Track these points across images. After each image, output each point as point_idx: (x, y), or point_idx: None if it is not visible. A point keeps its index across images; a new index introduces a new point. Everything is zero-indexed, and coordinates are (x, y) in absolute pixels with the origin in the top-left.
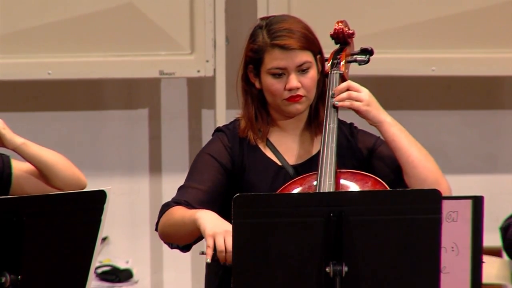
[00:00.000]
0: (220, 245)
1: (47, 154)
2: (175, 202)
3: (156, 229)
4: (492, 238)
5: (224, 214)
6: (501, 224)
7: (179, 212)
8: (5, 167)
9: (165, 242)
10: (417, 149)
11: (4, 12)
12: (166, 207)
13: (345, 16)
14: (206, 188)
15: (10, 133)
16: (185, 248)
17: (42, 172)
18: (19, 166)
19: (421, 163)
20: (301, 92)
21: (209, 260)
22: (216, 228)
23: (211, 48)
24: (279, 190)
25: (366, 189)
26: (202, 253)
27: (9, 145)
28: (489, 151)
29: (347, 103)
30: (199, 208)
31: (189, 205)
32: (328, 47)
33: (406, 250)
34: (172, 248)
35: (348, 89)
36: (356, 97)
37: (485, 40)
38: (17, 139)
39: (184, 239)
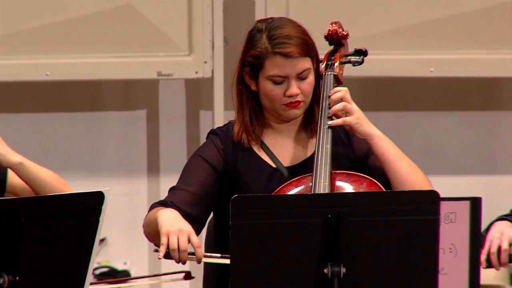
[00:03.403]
0: (173, 244)
1: (42, 176)
2: (160, 202)
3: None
4: None
5: (221, 215)
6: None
7: (152, 212)
8: (1, 174)
9: (155, 245)
10: (406, 163)
11: (2, 13)
12: (151, 208)
13: (343, 17)
14: (195, 190)
15: (7, 150)
16: None
17: (37, 192)
18: (15, 176)
19: (409, 177)
20: (299, 98)
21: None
22: (170, 227)
23: (209, 49)
24: (274, 192)
25: (361, 190)
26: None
27: (4, 163)
28: (487, 152)
29: (339, 121)
30: (186, 210)
31: (175, 207)
32: (325, 48)
33: (404, 251)
34: None
35: (341, 99)
36: (349, 109)
37: (483, 41)
38: (13, 158)
39: (155, 238)
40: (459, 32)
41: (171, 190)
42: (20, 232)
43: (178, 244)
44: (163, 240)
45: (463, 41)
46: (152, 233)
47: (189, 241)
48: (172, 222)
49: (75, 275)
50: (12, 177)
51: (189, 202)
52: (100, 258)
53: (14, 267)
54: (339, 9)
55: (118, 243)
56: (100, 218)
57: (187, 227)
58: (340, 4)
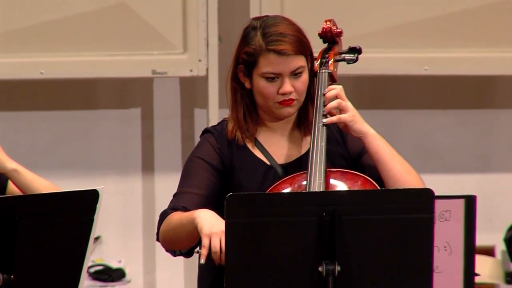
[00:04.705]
0: (215, 246)
1: (37, 186)
2: (172, 208)
3: (158, 239)
4: (484, 237)
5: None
6: (504, 235)
7: (177, 216)
8: (2, 180)
9: (167, 251)
10: (400, 163)
11: None
12: (164, 215)
13: (338, 15)
14: (202, 192)
15: (3, 157)
16: (189, 253)
17: None
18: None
19: (403, 177)
20: (293, 96)
21: (203, 261)
22: (213, 228)
23: (203, 47)
24: (268, 190)
25: (356, 188)
26: (197, 252)
27: None
28: (482, 150)
29: (334, 118)
30: None
31: (187, 210)
32: (319, 46)
33: (399, 249)
34: (175, 255)
35: (336, 97)
36: (344, 107)
37: (478, 39)
38: (9, 165)
39: (184, 242)
40: (453, 30)
41: (176, 195)
42: (15, 231)
43: (220, 246)
44: (205, 242)
45: (457, 39)
46: (183, 236)
47: None
48: (214, 223)
49: (70, 273)
50: (12, 186)
51: (199, 205)
52: (94, 256)
53: (9, 265)
54: (334, 7)
55: (112, 241)
56: (95, 216)
57: None
58: (335, 2)
